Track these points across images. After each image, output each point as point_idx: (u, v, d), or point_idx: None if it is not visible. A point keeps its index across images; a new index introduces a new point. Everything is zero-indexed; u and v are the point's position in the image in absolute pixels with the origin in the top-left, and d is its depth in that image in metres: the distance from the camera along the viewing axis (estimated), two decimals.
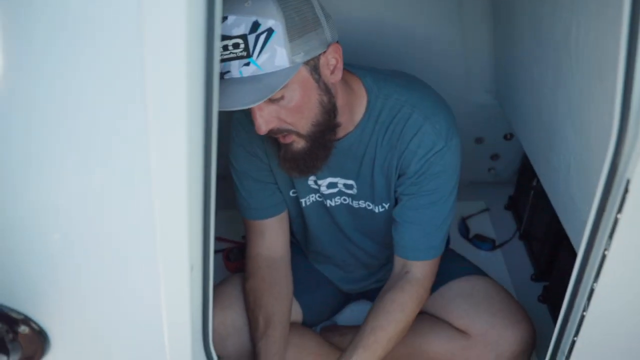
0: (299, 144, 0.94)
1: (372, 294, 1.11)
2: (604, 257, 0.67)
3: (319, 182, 1.10)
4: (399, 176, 1.04)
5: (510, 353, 1.13)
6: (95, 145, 0.54)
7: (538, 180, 1.56)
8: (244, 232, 1.60)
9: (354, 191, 1.10)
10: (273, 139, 0.96)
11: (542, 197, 1.56)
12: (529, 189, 1.64)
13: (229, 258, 1.59)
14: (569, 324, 0.79)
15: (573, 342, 0.79)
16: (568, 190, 1.15)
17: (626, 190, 0.60)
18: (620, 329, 0.75)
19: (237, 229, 1.65)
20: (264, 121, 0.88)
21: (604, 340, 0.77)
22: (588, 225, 0.67)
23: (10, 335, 0.63)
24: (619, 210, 0.62)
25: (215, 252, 1.33)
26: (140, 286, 0.61)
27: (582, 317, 0.75)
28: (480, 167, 1.85)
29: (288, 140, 0.94)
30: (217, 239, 1.62)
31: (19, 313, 0.62)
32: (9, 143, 0.53)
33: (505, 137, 1.77)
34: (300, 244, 1.30)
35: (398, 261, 1.08)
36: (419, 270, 1.06)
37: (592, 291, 0.71)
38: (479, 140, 1.78)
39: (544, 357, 0.90)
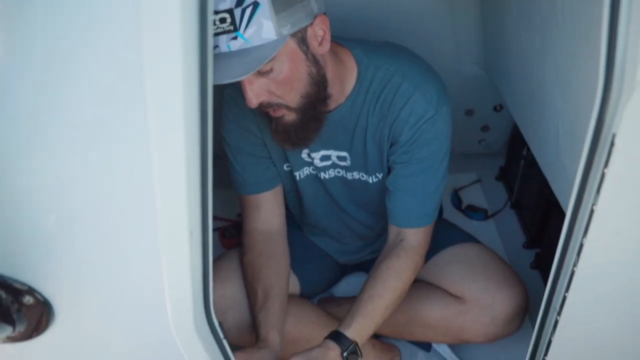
0: (290, 116, 0.95)
1: (368, 265, 1.13)
2: (592, 212, 0.69)
3: (313, 155, 1.11)
4: (391, 145, 1.05)
5: (504, 316, 1.16)
6: (94, 115, 0.55)
7: (528, 150, 1.58)
8: (239, 211, 1.62)
9: (347, 163, 1.11)
10: (265, 112, 0.97)
11: (532, 166, 1.58)
12: (520, 158, 1.66)
13: (225, 236, 1.61)
14: (560, 280, 0.81)
15: (564, 298, 0.81)
16: (558, 157, 1.17)
17: (612, 144, 0.62)
18: (609, 283, 0.77)
19: (233, 207, 1.66)
20: (255, 94, 0.89)
21: (594, 294, 0.80)
22: (576, 182, 0.69)
23: (16, 306, 0.64)
24: (606, 164, 0.64)
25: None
26: (142, 253, 0.62)
27: (573, 273, 0.77)
28: (471, 139, 1.86)
29: (279, 113, 0.94)
30: (212, 217, 1.63)
31: (22, 284, 0.63)
32: (13, 113, 0.53)
33: (495, 108, 1.78)
34: (295, 217, 1.32)
35: (392, 230, 1.10)
36: (413, 238, 1.08)
37: (581, 246, 0.73)
38: (469, 113, 1.79)
39: (536, 318, 0.93)
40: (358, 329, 0.97)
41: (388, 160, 1.08)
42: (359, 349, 0.97)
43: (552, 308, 0.87)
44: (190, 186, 0.58)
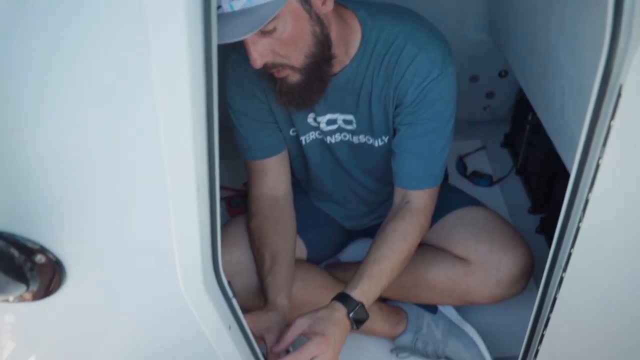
0: (294, 77, 0.94)
1: (374, 231, 1.13)
2: (598, 166, 0.69)
3: (318, 119, 1.11)
4: (396, 107, 1.05)
5: (509, 277, 1.17)
6: (99, 74, 0.55)
7: (533, 114, 1.57)
8: (244, 180, 1.64)
9: (353, 126, 1.11)
10: (269, 74, 0.96)
11: (537, 131, 1.58)
12: (525, 123, 1.66)
13: (231, 204, 1.62)
14: (565, 237, 0.81)
15: (569, 255, 0.82)
16: (564, 117, 1.16)
17: (619, 95, 0.61)
18: (615, 239, 0.77)
19: (238, 177, 1.67)
20: (259, 55, 0.88)
21: (599, 251, 0.80)
22: (582, 136, 0.69)
23: (28, 265, 0.65)
24: (612, 117, 0.64)
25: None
26: (150, 211, 0.63)
27: (578, 229, 0.77)
28: (476, 105, 1.86)
29: (283, 74, 0.94)
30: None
31: (34, 243, 0.64)
32: (24, 73, 0.53)
33: (499, 74, 1.77)
34: (301, 183, 1.32)
35: (398, 192, 1.10)
36: (419, 200, 1.08)
37: (587, 202, 0.73)
38: (473, 79, 1.78)
39: (541, 281, 0.93)
40: (364, 291, 0.98)
41: (393, 122, 1.07)
42: (365, 310, 0.98)
43: (557, 265, 0.87)
44: (196, 142, 0.58)
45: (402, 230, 1.05)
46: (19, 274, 0.64)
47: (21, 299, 0.69)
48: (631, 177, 0.69)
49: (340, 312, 0.95)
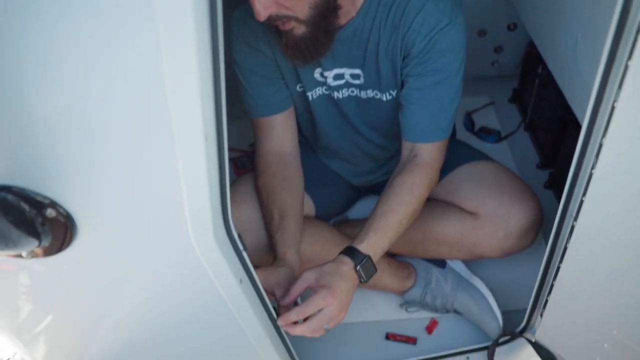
0: (300, 29, 0.92)
1: (382, 188, 1.12)
2: (612, 109, 0.67)
3: (325, 74, 1.09)
4: (404, 58, 1.02)
5: (518, 229, 1.17)
6: (103, 25, 0.53)
7: (543, 68, 1.54)
8: (250, 141, 1.63)
9: (360, 81, 1.09)
10: (275, 28, 0.94)
11: (546, 85, 1.55)
12: (534, 78, 1.62)
13: (238, 165, 1.62)
14: (577, 185, 0.81)
15: (581, 203, 0.81)
16: (576, 66, 1.14)
17: (638, 31, 0.59)
18: (628, 185, 0.76)
19: (245, 138, 1.67)
20: (263, 6, 0.86)
21: (612, 199, 0.79)
22: (597, 78, 0.67)
23: (40, 219, 0.65)
24: (630, 56, 0.62)
25: None
26: (159, 163, 0.62)
27: (591, 175, 0.76)
28: (484, 60, 1.82)
29: (288, 27, 0.92)
30: None
31: (44, 197, 0.64)
32: (29, 23, 0.52)
33: (508, 27, 1.73)
34: (308, 140, 1.31)
35: (406, 145, 1.09)
36: (427, 153, 1.07)
37: (600, 147, 0.72)
38: (481, 33, 1.74)
39: (549, 234, 0.93)
40: (371, 244, 0.97)
41: (401, 75, 1.05)
42: (373, 263, 0.97)
43: (568, 214, 0.87)
44: (203, 91, 0.57)
45: (410, 184, 1.03)
46: (30, 229, 0.64)
47: (34, 254, 0.70)
48: None
49: (347, 265, 0.94)
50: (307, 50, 0.95)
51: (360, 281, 0.96)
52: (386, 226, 0.99)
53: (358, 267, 0.94)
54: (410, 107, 1.05)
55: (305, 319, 0.90)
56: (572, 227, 0.86)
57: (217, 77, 0.58)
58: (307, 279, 0.93)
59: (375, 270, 0.97)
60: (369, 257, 0.96)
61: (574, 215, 0.85)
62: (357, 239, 0.99)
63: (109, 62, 0.55)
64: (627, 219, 0.80)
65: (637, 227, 0.80)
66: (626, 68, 0.63)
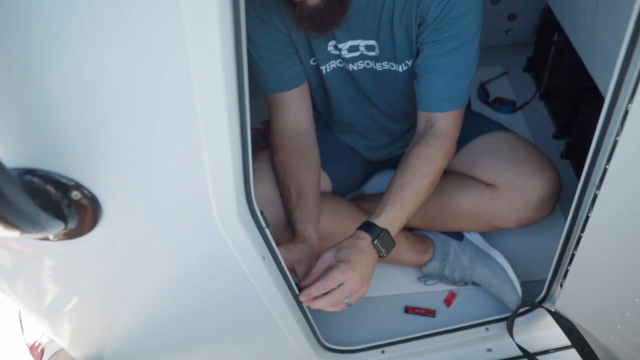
0: (314, 0, 0.91)
1: (397, 162, 1.11)
2: None
3: (340, 45, 1.07)
4: (419, 25, 1.00)
5: (537, 200, 1.16)
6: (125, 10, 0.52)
7: (560, 34, 1.51)
8: (262, 118, 1.62)
9: (376, 52, 1.08)
10: (288, 1, 0.92)
11: (562, 52, 1.52)
12: (550, 44, 1.59)
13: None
14: (601, 152, 0.80)
15: (604, 171, 0.80)
16: (595, 31, 1.11)
17: None
18: None
19: (256, 116, 1.66)
20: None
21: (635, 167, 0.78)
22: (625, 40, 0.65)
23: (65, 201, 0.65)
24: None
25: None
26: (183, 142, 0.62)
27: (615, 142, 0.75)
28: (497, 29, 1.79)
29: None
30: None
31: (69, 179, 0.64)
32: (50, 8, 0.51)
33: None
34: (323, 115, 1.31)
35: (422, 116, 1.07)
36: (443, 122, 1.05)
37: (626, 113, 0.71)
38: (495, 0, 1.70)
39: (568, 208, 0.92)
40: (388, 218, 0.96)
41: (417, 43, 1.03)
42: (391, 237, 0.96)
43: (591, 183, 0.86)
44: (226, 70, 0.57)
45: (427, 155, 1.02)
46: (57, 211, 0.65)
47: (61, 237, 0.70)
48: None
49: (364, 240, 0.94)
50: (321, 21, 0.93)
51: (380, 255, 0.96)
52: (403, 199, 0.99)
53: (376, 241, 0.94)
54: (426, 75, 1.03)
55: (326, 294, 0.91)
56: (595, 196, 0.85)
57: (239, 55, 0.57)
58: (326, 259, 0.93)
59: (394, 243, 0.97)
60: (387, 231, 0.95)
61: (596, 184, 0.84)
62: (374, 213, 0.98)
63: (131, 40, 0.55)
64: None
65: None
66: None
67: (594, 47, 1.15)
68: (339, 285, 0.89)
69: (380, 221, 0.96)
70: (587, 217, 0.90)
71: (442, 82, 1.02)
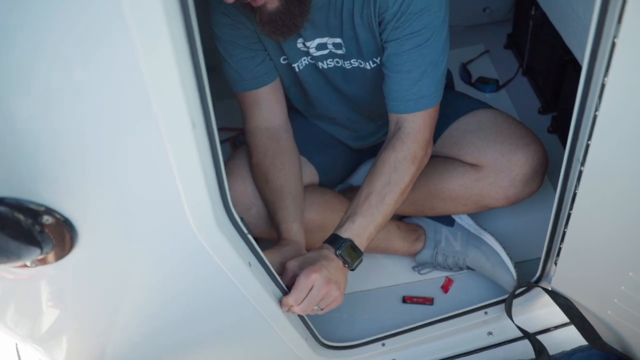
0: (273, 4, 0.89)
1: None
2: (613, 45, 0.64)
3: (308, 44, 1.05)
4: (380, 23, 0.97)
5: (522, 176, 1.14)
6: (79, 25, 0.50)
7: (536, 9, 1.49)
8: None
9: (343, 50, 1.06)
10: (247, 5, 0.90)
11: (541, 26, 1.51)
12: (528, 19, 1.58)
13: (235, 144, 1.60)
14: (582, 128, 0.78)
15: (587, 147, 0.79)
16: (570, 4, 1.10)
17: None
18: (635, 125, 0.73)
19: (236, 116, 1.64)
20: None
21: (618, 139, 0.77)
22: (594, 14, 0.63)
23: (37, 227, 0.64)
24: None
25: (221, 142, 1.35)
26: (150, 155, 0.60)
27: (595, 118, 0.74)
28: (475, 8, 1.77)
29: (260, 2, 0.89)
30: (219, 129, 1.63)
31: (38, 204, 0.62)
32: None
33: None
34: (303, 112, 1.29)
35: (391, 118, 1.03)
36: (411, 124, 1.01)
37: (603, 87, 0.69)
38: None
39: (557, 181, 0.91)
40: (353, 228, 0.95)
41: (381, 41, 1.00)
42: (355, 247, 0.95)
43: (575, 159, 0.84)
44: (184, 78, 0.55)
45: (393, 161, 0.99)
46: (29, 238, 0.63)
47: (39, 262, 0.69)
48: None
49: (328, 250, 0.93)
50: (284, 25, 0.91)
51: (345, 265, 0.94)
52: (369, 209, 0.97)
53: (339, 252, 0.93)
54: (392, 75, 0.99)
55: None
56: (580, 172, 0.84)
57: (196, 61, 0.55)
58: (291, 268, 0.92)
59: (359, 254, 0.95)
60: (350, 241, 0.94)
61: (580, 159, 0.83)
62: (339, 223, 0.98)
63: (84, 59, 0.53)
64: (635, 160, 0.78)
65: None
66: (624, 2, 0.60)
67: (571, 21, 1.13)
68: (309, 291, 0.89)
69: (344, 232, 0.95)
70: (575, 194, 0.89)
71: (408, 82, 0.98)
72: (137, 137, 0.59)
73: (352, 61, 1.08)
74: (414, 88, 0.98)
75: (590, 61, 0.68)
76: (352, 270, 0.96)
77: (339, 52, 1.06)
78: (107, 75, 0.54)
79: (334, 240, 0.94)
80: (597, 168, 0.81)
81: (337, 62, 1.09)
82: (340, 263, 0.93)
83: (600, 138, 0.76)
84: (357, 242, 0.94)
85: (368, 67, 1.07)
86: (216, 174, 0.66)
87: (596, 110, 0.73)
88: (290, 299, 0.88)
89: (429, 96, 1.00)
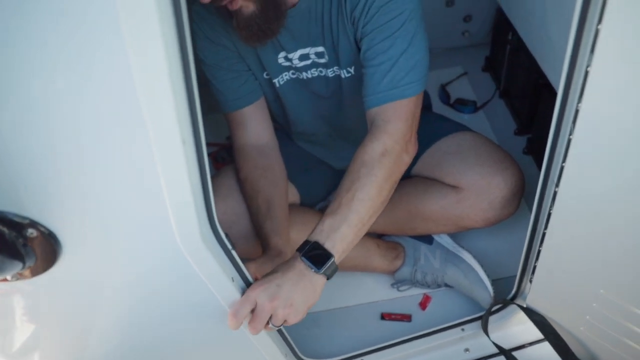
0: (248, 7, 0.91)
1: None
2: (586, 74, 0.68)
3: (290, 55, 1.08)
4: (353, 23, 0.99)
5: (501, 199, 1.18)
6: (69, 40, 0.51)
7: (513, 34, 1.55)
8: (227, 134, 1.61)
9: (325, 59, 1.08)
10: (223, 8, 0.91)
11: (518, 50, 1.56)
12: (505, 44, 1.63)
13: (217, 159, 1.60)
14: (557, 151, 0.81)
15: (562, 169, 0.82)
16: (546, 31, 1.14)
17: None
18: (607, 149, 0.77)
19: (220, 131, 1.65)
20: None
21: (592, 163, 0.80)
22: (569, 43, 0.67)
23: (21, 240, 0.63)
24: (600, 20, 0.62)
25: None
26: (138, 171, 0.61)
27: (569, 141, 0.77)
28: (454, 31, 1.82)
29: (235, 6, 0.90)
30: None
31: (22, 217, 0.62)
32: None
33: None
34: (283, 127, 1.31)
35: (367, 118, 1.00)
36: (382, 117, 0.96)
37: (577, 112, 0.73)
38: (449, 3, 1.73)
39: (532, 201, 0.94)
40: (322, 230, 0.88)
41: (357, 43, 1.01)
42: (323, 248, 0.86)
43: (550, 181, 0.88)
44: (176, 96, 0.56)
45: (361, 156, 0.94)
46: (12, 251, 0.63)
47: (20, 276, 0.68)
48: (621, 84, 0.68)
49: (293, 258, 0.87)
50: (260, 30, 0.93)
51: (313, 271, 0.85)
52: (339, 208, 0.90)
53: (302, 257, 0.86)
54: (365, 72, 0.99)
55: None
56: (555, 193, 0.87)
57: (188, 80, 0.57)
58: (249, 268, 0.88)
59: (328, 256, 0.86)
60: (316, 243, 0.87)
61: (555, 181, 0.86)
62: (315, 229, 0.90)
63: (78, 74, 0.54)
64: (607, 183, 0.81)
65: (617, 190, 0.81)
66: (597, 32, 0.63)
67: (546, 47, 1.18)
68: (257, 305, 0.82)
69: (312, 235, 0.88)
70: (549, 214, 0.92)
71: (379, 74, 0.97)
72: (125, 152, 0.59)
73: (335, 69, 1.10)
74: (384, 79, 0.96)
75: (565, 88, 0.72)
76: (326, 275, 0.86)
77: (322, 60, 1.09)
78: (98, 90, 0.55)
79: (301, 246, 0.87)
80: (571, 189, 0.84)
81: (321, 72, 1.11)
82: (304, 271, 0.85)
83: (574, 161, 0.79)
84: (327, 244, 0.86)
85: (343, 77, 1.10)
86: (203, 191, 0.67)
87: (570, 134, 0.76)
88: (230, 316, 0.81)
89: (401, 87, 0.97)
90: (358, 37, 1.00)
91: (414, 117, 0.99)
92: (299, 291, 0.84)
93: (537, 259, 1.03)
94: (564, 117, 0.76)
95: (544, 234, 0.96)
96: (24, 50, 0.51)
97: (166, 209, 0.64)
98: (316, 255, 0.86)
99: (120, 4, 0.48)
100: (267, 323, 0.84)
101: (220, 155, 1.61)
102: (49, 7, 0.49)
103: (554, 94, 1.27)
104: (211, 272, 0.77)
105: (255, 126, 1.14)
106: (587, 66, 0.67)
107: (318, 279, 0.85)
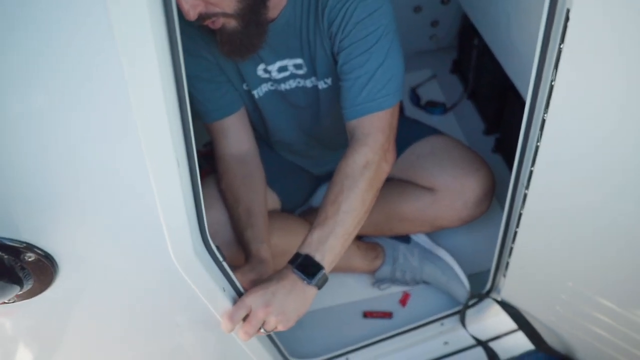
0: (230, 24, 0.93)
1: None
2: (551, 88, 0.73)
3: (269, 68, 1.10)
4: (330, 37, 1.03)
5: (474, 198, 1.24)
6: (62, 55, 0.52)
7: (479, 39, 1.61)
8: (204, 141, 1.62)
9: (304, 70, 1.11)
10: (206, 27, 0.94)
11: (484, 54, 1.62)
12: (471, 48, 1.69)
13: None
14: (526, 156, 0.87)
15: (531, 172, 0.88)
16: (510, 41, 1.20)
17: (567, 19, 0.64)
18: (571, 154, 0.82)
19: (198, 139, 1.65)
20: (191, 6, 0.86)
21: (558, 166, 0.86)
22: (535, 60, 0.72)
23: (19, 265, 0.64)
24: (562, 40, 0.67)
25: None
26: (134, 190, 0.63)
27: (537, 148, 0.83)
28: (422, 35, 1.87)
29: (218, 24, 0.92)
30: None
31: (19, 242, 0.63)
32: None
33: (442, 1, 1.78)
34: (262, 136, 1.33)
35: (347, 130, 1.03)
36: (361, 129, 1.00)
37: (543, 122, 0.78)
38: (417, 9, 1.78)
39: (504, 200, 0.99)
40: (311, 242, 0.92)
41: (334, 55, 1.05)
42: (314, 261, 0.90)
43: (520, 184, 0.93)
44: (170, 119, 0.58)
45: (344, 169, 0.98)
46: (11, 275, 0.64)
47: (17, 298, 0.69)
48: (584, 96, 0.73)
49: (286, 268, 0.90)
50: (242, 45, 0.95)
51: (305, 282, 0.89)
52: (326, 221, 0.94)
53: (294, 269, 0.90)
54: (343, 85, 1.02)
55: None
56: (525, 195, 0.93)
57: (182, 102, 0.59)
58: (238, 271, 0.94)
59: (319, 267, 0.90)
60: (307, 255, 0.91)
61: (525, 184, 0.91)
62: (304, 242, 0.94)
63: (73, 97, 0.55)
64: (574, 185, 0.87)
65: (583, 192, 0.86)
66: (560, 51, 0.68)
67: (510, 53, 1.24)
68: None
69: (302, 247, 0.92)
70: (520, 214, 0.98)
71: (357, 87, 1.00)
72: (122, 174, 0.61)
73: (312, 79, 1.12)
74: (362, 92, 1.00)
75: (532, 100, 0.77)
76: (317, 286, 0.91)
77: (300, 72, 1.11)
78: (92, 113, 0.56)
79: (293, 258, 0.92)
80: (540, 192, 0.90)
81: (299, 83, 1.14)
82: (297, 281, 0.89)
83: (542, 165, 0.85)
84: (317, 257, 0.90)
85: (320, 87, 1.12)
86: (196, 208, 0.70)
87: (538, 141, 0.82)
88: (225, 319, 0.85)
89: (378, 99, 1.00)
90: (335, 50, 1.03)
91: (392, 128, 1.03)
92: (292, 300, 0.88)
93: (510, 255, 1.09)
94: (532, 125, 0.81)
95: (515, 233, 1.02)
96: (20, 70, 0.51)
97: (161, 227, 0.67)
98: (307, 267, 0.90)
99: (118, 40, 0.50)
100: (259, 329, 0.88)
101: (199, 163, 1.61)
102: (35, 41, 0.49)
103: (519, 95, 1.33)
104: (204, 285, 0.79)
105: (235, 136, 1.17)
106: (552, 80, 0.72)
107: (309, 290, 0.90)
